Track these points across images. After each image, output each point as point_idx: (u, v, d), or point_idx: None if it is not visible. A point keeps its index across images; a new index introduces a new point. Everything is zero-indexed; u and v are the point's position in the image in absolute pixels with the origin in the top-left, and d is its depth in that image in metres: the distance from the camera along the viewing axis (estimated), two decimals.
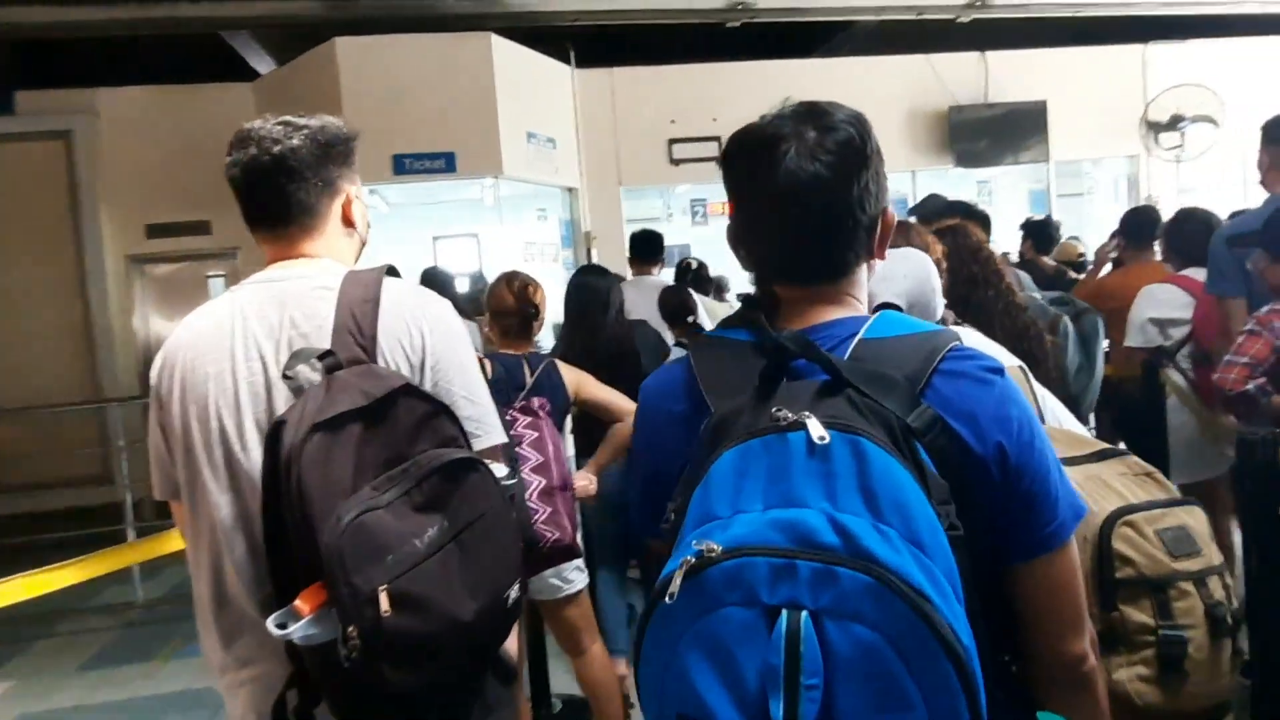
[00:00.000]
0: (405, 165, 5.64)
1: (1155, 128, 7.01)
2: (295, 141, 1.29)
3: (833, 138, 0.91)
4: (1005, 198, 7.71)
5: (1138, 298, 3.14)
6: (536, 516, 2.27)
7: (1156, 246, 3.67)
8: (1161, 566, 1.30)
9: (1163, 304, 3.05)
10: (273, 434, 1.07)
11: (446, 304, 1.33)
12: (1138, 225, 3.71)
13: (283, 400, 1.18)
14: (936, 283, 1.58)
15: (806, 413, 0.76)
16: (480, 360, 2.42)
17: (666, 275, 5.19)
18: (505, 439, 1.35)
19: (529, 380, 2.45)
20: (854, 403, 0.79)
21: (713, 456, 0.79)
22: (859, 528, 0.70)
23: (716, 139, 6.82)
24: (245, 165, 1.28)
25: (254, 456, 1.18)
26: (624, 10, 6.10)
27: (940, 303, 1.58)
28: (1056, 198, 7.34)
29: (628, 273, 6.53)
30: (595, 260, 6.55)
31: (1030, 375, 1.58)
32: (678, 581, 0.72)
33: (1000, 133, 6.99)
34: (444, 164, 5.70)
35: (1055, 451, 0.92)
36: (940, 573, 0.71)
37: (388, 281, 1.26)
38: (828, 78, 6.88)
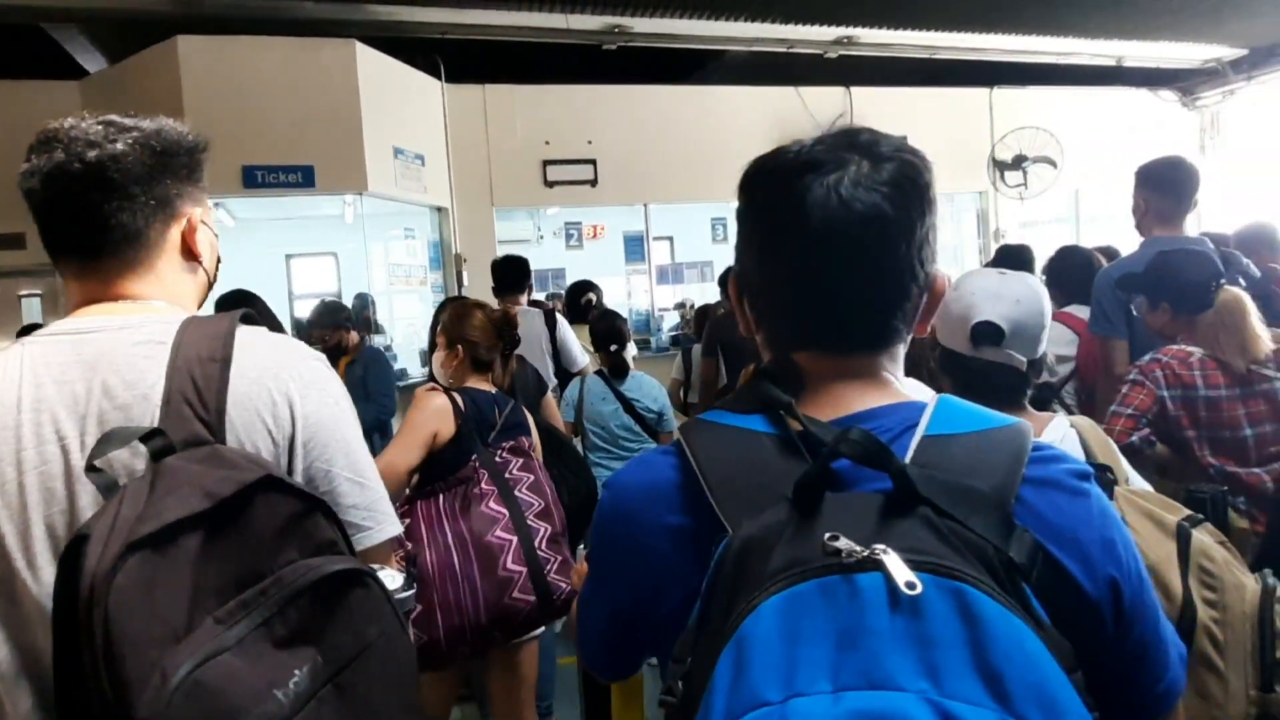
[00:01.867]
0: (257, 178, 5.15)
1: (1001, 166, 7.44)
2: (119, 147, 0.99)
3: (890, 169, 0.72)
4: None
5: None
6: (548, 566, 2.07)
7: None
8: None
9: (1049, 340, 3.13)
10: (70, 555, 0.76)
11: (321, 360, 1.04)
12: (1015, 263, 3.83)
13: (90, 504, 0.88)
14: (1049, 316, 1.43)
15: (879, 545, 0.56)
16: (449, 394, 2.16)
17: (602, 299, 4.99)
18: (399, 530, 1.08)
19: (499, 419, 2.21)
20: (936, 528, 0.59)
21: (745, 607, 0.57)
22: None
23: (592, 161, 6.69)
24: (47, 174, 0.97)
25: (44, 577, 0.87)
26: (496, 26, 5.86)
27: (1045, 342, 1.43)
28: None
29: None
30: (466, 283, 6.25)
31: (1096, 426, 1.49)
32: None
33: None
34: (301, 178, 5.24)
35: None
36: None
37: (242, 333, 0.97)
38: (702, 104, 6.90)
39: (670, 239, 8.41)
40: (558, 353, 4.03)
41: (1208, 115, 7.91)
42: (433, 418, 2.10)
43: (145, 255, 1.03)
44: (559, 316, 4.12)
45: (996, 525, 0.62)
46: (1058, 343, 3.15)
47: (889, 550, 0.55)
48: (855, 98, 7.26)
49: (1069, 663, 0.57)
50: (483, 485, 2.07)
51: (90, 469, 0.85)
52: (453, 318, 2.37)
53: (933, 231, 0.75)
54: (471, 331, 2.32)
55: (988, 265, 4.18)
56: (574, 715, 3.00)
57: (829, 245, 0.72)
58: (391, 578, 0.95)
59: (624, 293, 7.62)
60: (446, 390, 2.19)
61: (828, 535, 0.57)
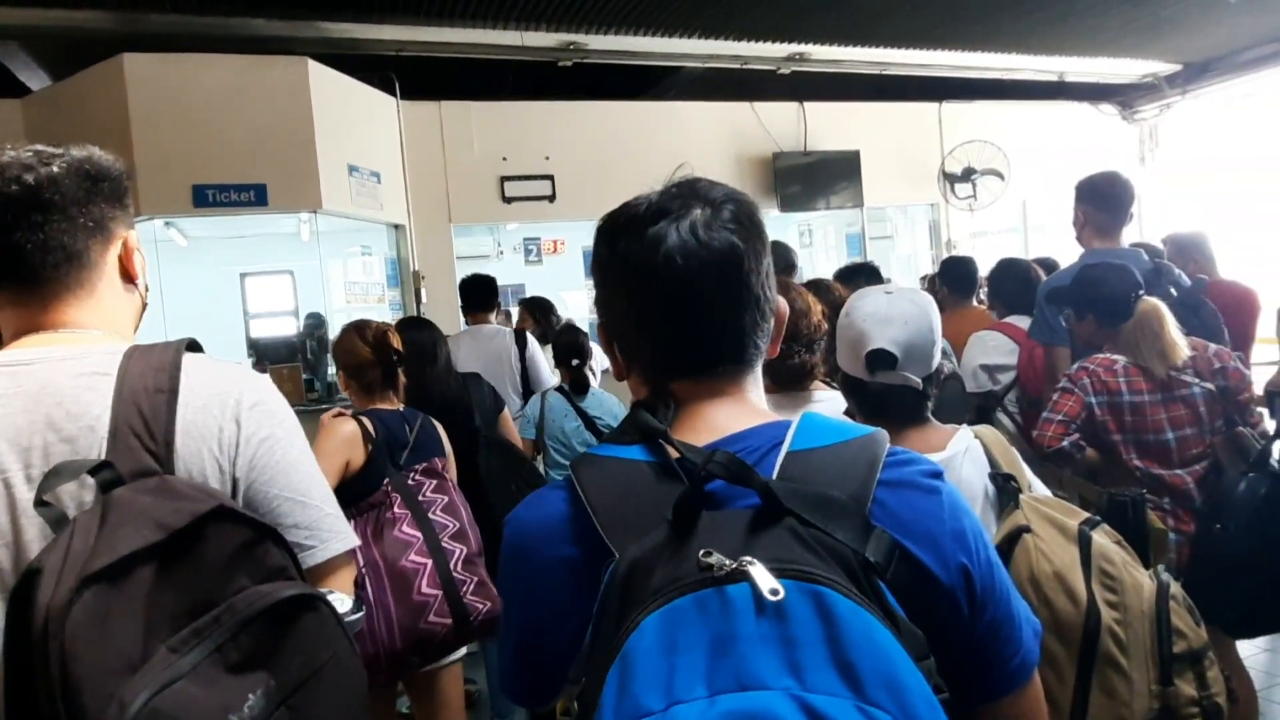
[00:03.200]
0: (208, 197, 5.11)
1: (951, 178, 7.61)
2: (55, 170, 1.00)
3: (730, 209, 0.81)
4: (823, 241, 8.12)
5: (969, 344, 3.31)
6: (464, 588, 2.06)
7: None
8: (1199, 637, 1.29)
9: (992, 350, 3.22)
10: (21, 590, 0.77)
11: (266, 381, 1.07)
12: (960, 274, 3.94)
13: (36, 537, 0.88)
14: (938, 330, 1.47)
15: (747, 558, 0.60)
16: (358, 419, 2.16)
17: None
18: (352, 543, 1.09)
19: (411, 437, 2.21)
20: (800, 536, 0.64)
21: (629, 625, 0.61)
22: (842, 713, 0.55)
23: (549, 177, 6.72)
24: None
25: None
26: (451, 43, 5.88)
27: (939, 355, 1.47)
28: (869, 241, 7.81)
29: (458, 315, 6.30)
30: (425, 300, 6.23)
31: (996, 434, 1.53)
32: None
33: (818, 179, 7.35)
34: (253, 196, 5.20)
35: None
36: None
37: (187, 361, 0.97)
38: (659, 120, 6.97)
39: None
40: (527, 372, 4.04)
41: (1146, 128, 8.17)
42: (342, 447, 2.07)
43: (86, 277, 1.04)
44: (529, 336, 4.14)
45: (855, 529, 0.68)
46: (999, 352, 3.25)
47: (755, 561, 0.60)
48: (809, 113, 7.38)
49: (920, 650, 0.63)
50: (395, 509, 2.07)
51: (40, 503, 0.85)
52: (334, 345, 2.37)
53: (770, 264, 0.84)
54: (345, 356, 2.31)
55: (933, 275, 4.28)
56: None
57: (693, 280, 0.79)
58: (341, 601, 0.97)
59: (586, 307, 7.65)
60: (355, 415, 2.18)
61: (701, 552, 0.62)
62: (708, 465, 0.68)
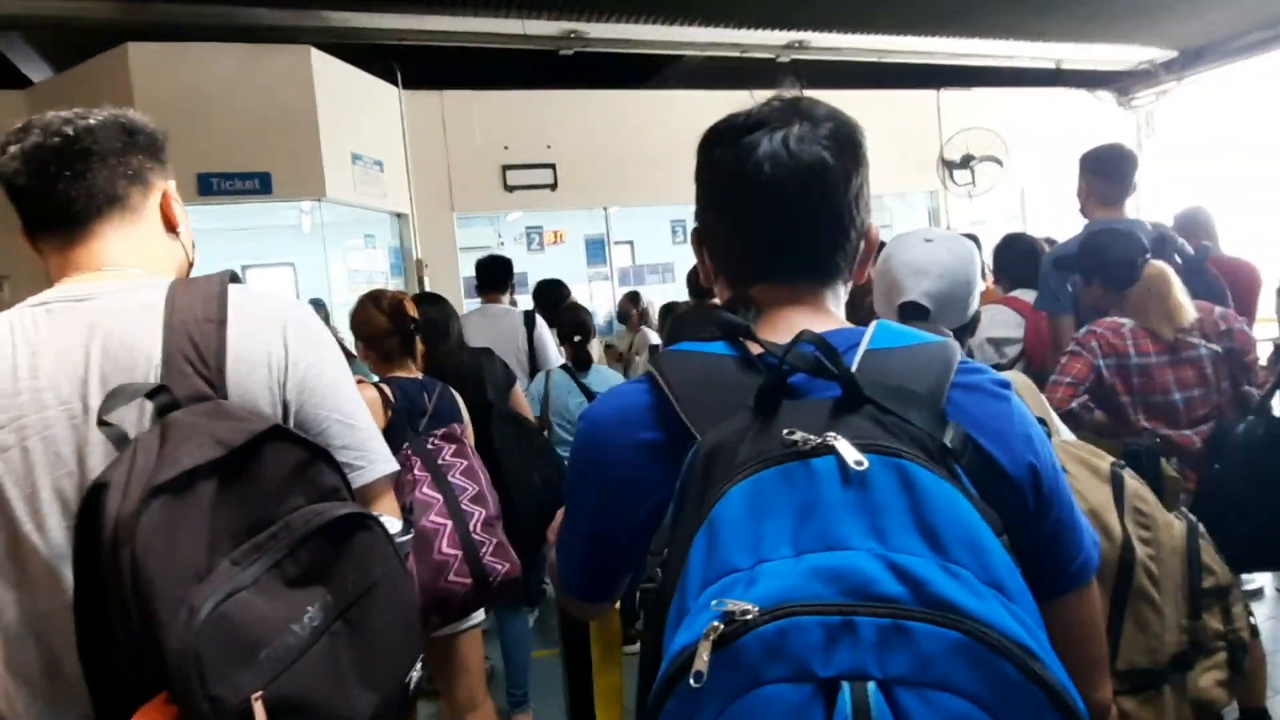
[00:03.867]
0: (213, 185, 5.13)
1: (950, 165, 7.66)
2: (92, 122, 1.04)
3: (829, 127, 0.84)
4: None
5: None
6: (483, 550, 2.08)
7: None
8: (1225, 574, 1.33)
9: (998, 324, 3.25)
10: (89, 502, 0.80)
11: (308, 308, 1.11)
12: None
13: (99, 458, 0.91)
14: (977, 276, 1.47)
15: (832, 434, 0.63)
16: (378, 386, 2.19)
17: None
18: (396, 467, 1.14)
19: (430, 405, 2.24)
20: (879, 421, 0.67)
21: (715, 494, 0.63)
22: (926, 570, 0.57)
23: (551, 166, 6.75)
24: (27, 152, 1.01)
25: (54, 538, 0.90)
26: (453, 33, 5.91)
27: (976, 302, 1.48)
28: None
29: (462, 301, 6.32)
30: (428, 288, 6.26)
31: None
32: (705, 655, 0.55)
33: None
34: (258, 185, 5.23)
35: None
36: (1031, 620, 0.59)
37: (234, 291, 1.01)
38: (660, 108, 7.00)
39: (631, 242, 8.49)
40: (534, 353, 4.09)
41: (1143, 114, 8.22)
42: None
43: (129, 219, 1.07)
44: (538, 318, 4.19)
45: (931, 419, 0.70)
46: (1006, 326, 3.28)
47: (839, 437, 0.63)
48: None
49: (996, 527, 0.64)
50: (415, 472, 2.09)
51: (101, 423, 0.88)
52: (351, 316, 2.39)
53: (866, 185, 0.86)
54: (362, 326, 2.34)
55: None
56: (553, 707, 3.04)
57: (779, 189, 0.82)
58: (392, 523, 1.01)
59: (586, 296, 7.69)
60: (375, 384, 2.21)
61: (786, 431, 0.64)
62: (789, 356, 0.71)
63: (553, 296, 4.98)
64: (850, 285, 0.91)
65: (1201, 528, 1.34)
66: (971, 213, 7.80)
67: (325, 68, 5.40)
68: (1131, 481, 1.34)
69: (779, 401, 0.69)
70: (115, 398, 0.88)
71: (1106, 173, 2.94)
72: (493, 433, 2.68)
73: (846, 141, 0.84)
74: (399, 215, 6.37)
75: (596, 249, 7.39)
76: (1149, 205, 7.43)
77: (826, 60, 7.08)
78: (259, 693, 0.76)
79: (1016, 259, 3.45)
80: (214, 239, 7.78)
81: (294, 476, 0.90)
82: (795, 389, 0.74)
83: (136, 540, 0.77)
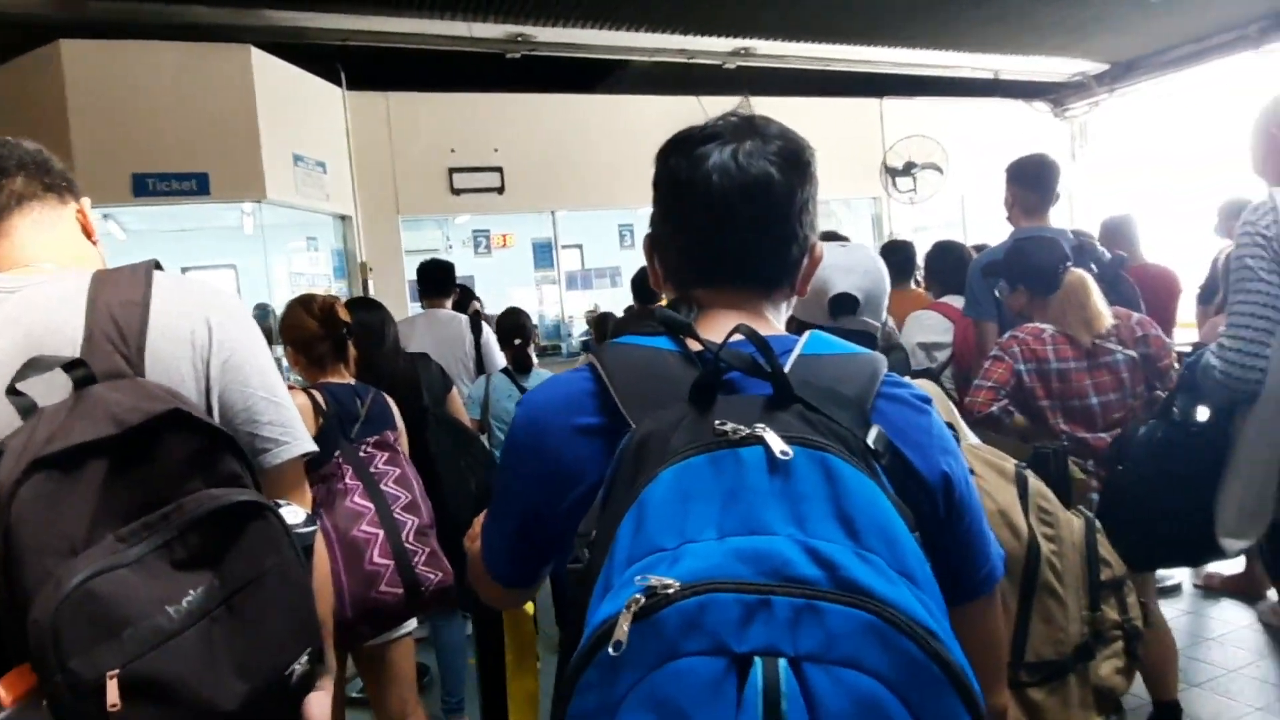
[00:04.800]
0: (148, 186, 5.02)
1: (893, 172, 7.82)
2: (8, 138, 1.11)
3: (777, 144, 0.88)
4: None
5: (906, 324, 3.42)
6: (416, 559, 2.06)
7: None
8: (1120, 567, 1.38)
9: (928, 329, 3.34)
10: None
11: (232, 294, 1.15)
12: (899, 258, 4.06)
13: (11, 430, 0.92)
14: (887, 284, 1.54)
15: (761, 425, 0.66)
16: (308, 392, 2.16)
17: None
18: (316, 447, 1.16)
19: (362, 411, 2.21)
20: (807, 419, 0.70)
21: (645, 477, 0.66)
22: (841, 556, 0.60)
23: (498, 169, 6.73)
24: None
25: None
26: (398, 33, 5.86)
27: (885, 311, 1.55)
28: None
29: (407, 305, 6.27)
30: (373, 293, 6.19)
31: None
32: (625, 626, 0.57)
33: None
34: (195, 186, 5.13)
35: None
36: (935, 607, 0.62)
37: (158, 275, 1.04)
38: (607, 113, 7.03)
39: (580, 246, 8.50)
40: (480, 357, 4.08)
41: (1077, 125, 8.48)
42: None
43: (50, 219, 1.12)
44: (484, 323, 4.17)
45: (856, 420, 0.75)
46: (935, 331, 3.38)
47: (768, 429, 0.66)
48: (754, 106, 7.48)
49: (910, 522, 0.68)
50: (347, 480, 2.07)
51: (11, 391, 0.89)
52: (280, 320, 2.36)
53: (812, 202, 0.90)
54: (291, 331, 2.29)
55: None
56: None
57: (725, 200, 0.86)
58: (293, 513, 1.01)
59: (535, 300, 7.68)
60: (306, 389, 2.18)
61: (718, 422, 0.67)
62: (727, 355, 0.74)
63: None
64: (793, 298, 0.96)
65: (1098, 523, 1.40)
66: (913, 219, 7.97)
67: (266, 67, 5.32)
68: (1035, 482, 1.40)
69: (714, 395, 0.73)
70: (30, 368, 0.90)
71: (1030, 183, 3.05)
72: (428, 439, 2.67)
73: (794, 159, 0.88)
74: (343, 217, 6.29)
75: (544, 253, 7.39)
76: (1082, 213, 7.69)
77: (772, 67, 7.18)
78: (115, 670, 0.77)
79: (947, 266, 3.55)
80: (151, 241, 7.60)
81: (194, 461, 0.91)
82: (730, 385, 0.78)
83: (12, 509, 0.79)
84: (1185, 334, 4.25)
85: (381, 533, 2.05)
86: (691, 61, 6.90)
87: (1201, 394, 1.89)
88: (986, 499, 1.33)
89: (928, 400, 0.86)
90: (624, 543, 0.64)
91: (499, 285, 7.77)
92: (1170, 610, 3.61)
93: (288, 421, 1.11)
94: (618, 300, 7.37)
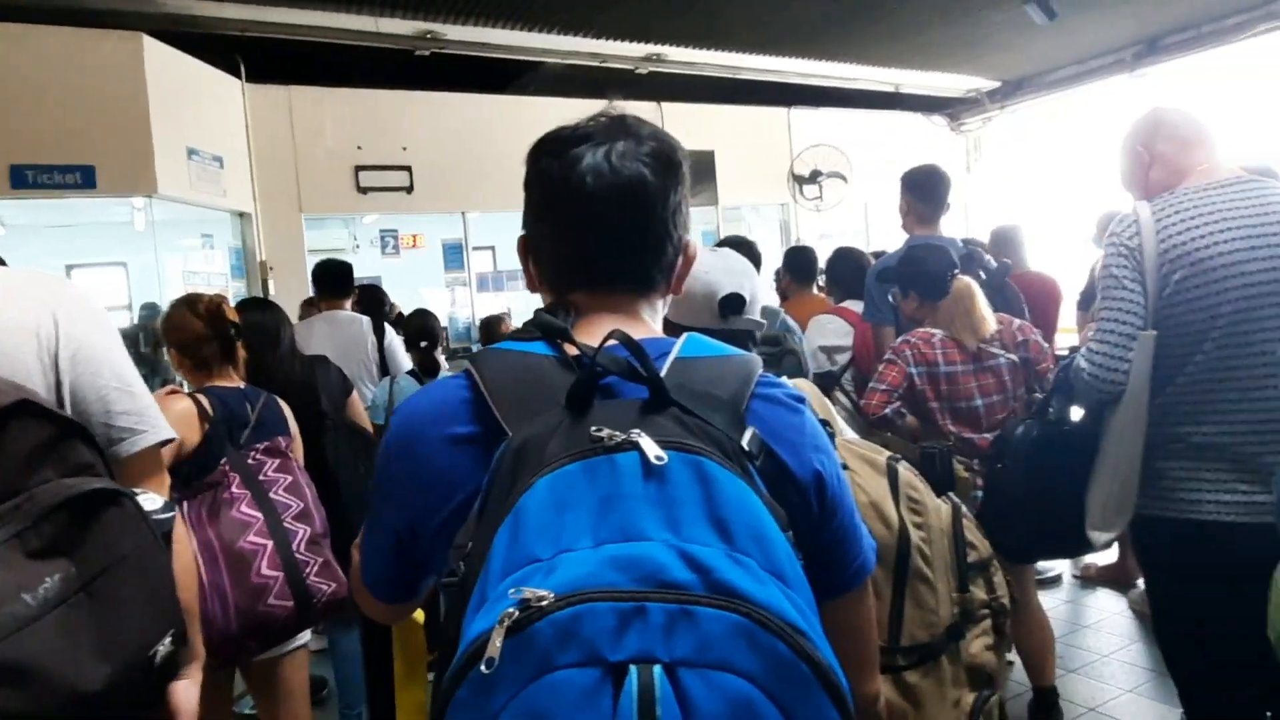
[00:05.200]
0: (28, 178, 4.74)
1: (800, 180, 8.03)
2: None
3: (650, 146, 0.88)
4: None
5: (808, 328, 3.52)
6: (307, 570, 2.00)
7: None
8: (985, 548, 1.44)
9: (829, 333, 3.45)
10: None
11: (81, 288, 1.13)
12: (802, 263, 4.19)
13: None
14: (759, 283, 1.59)
15: (636, 430, 0.67)
16: (194, 397, 2.07)
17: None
18: (174, 435, 1.18)
19: (252, 417, 2.13)
20: (682, 422, 0.71)
21: (521, 487, 0.66)
22: (714, 559, 0.61)
23: (407, 168, 6.61)
24: None
25: None
26: (301, 26, 5.69)
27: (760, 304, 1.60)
28: (723, 238, 8.11)
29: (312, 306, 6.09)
30: (273, 293, 5.99)
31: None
32: (497, 642, 0.57)
33: None
34: (80, 179, 4.86)
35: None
36: (805, 605, 0.64)
37: (2, 273, 1.05)
38: (520, 115, 6.97)
39: (492, 248, 8.42)
40: (384, 360, 3.99)
41: (971, 139, 8.89)
42: (175, 426, 2.00)
43: None
44: (387, 325, 4.09)
45: (731, 422, 0.76)
46: (836, 334, 3.48)
47: (643, 434, 0.67)
48: (666, 112, 7.57)
49: (782, 522, 0.69)
50: (233, 489, 2.01)
51: None
52: (162, 321, 2.27)
53: (685, 203, 0.91)
54: (175, 332, 2.19)
55: (780, 270, 4.51)
56: None
57: (599, 202, 0.86)
58: (150, 500, 1.00)
59: (446, 301, 7.56)
60: (191, 394, 2.10)
61: (594, 428, 0.68)
62: (603, 359, 0.75)
63: (373, 298, 4.87)
64: (669, 297, 0.97)
65: (964, 508, 1.47)
66: (819, 226, 8.20)
67: (159, 56, 5.09)
68: (904, 473, 1.44)
69: (590, 400, 0.73)
70: None
71: (922, 192, 3.18)
72: (326, 444, 2.61)
73: (667, 160, 0.88)
74: (241, 214, 6.07)
75: (455, 254, 7.29)
76: (976, 222, 8.05)
77: (684, 74, 7.27)
78: None
79: (847, 272, 3.67)
80: (33, 236, 7.18)
81: (44, 451, 0.90)
82: (607, 389, 0.77)
83: None
84: (1066, 338, 4.50)
85: (270, 543, 1.99)
86: (604, 65, 6.93)
87: (1073, 395, 2.01)
88: (859, 491, 1.37)
89: (801, 399, 0.88)
90: (499, 554, 0.64)
91: (409, 286, 7.62)
92: (1050, 600, 3.82)
93: (143, 410, 1.12)
94: (531, 303, 7.32)
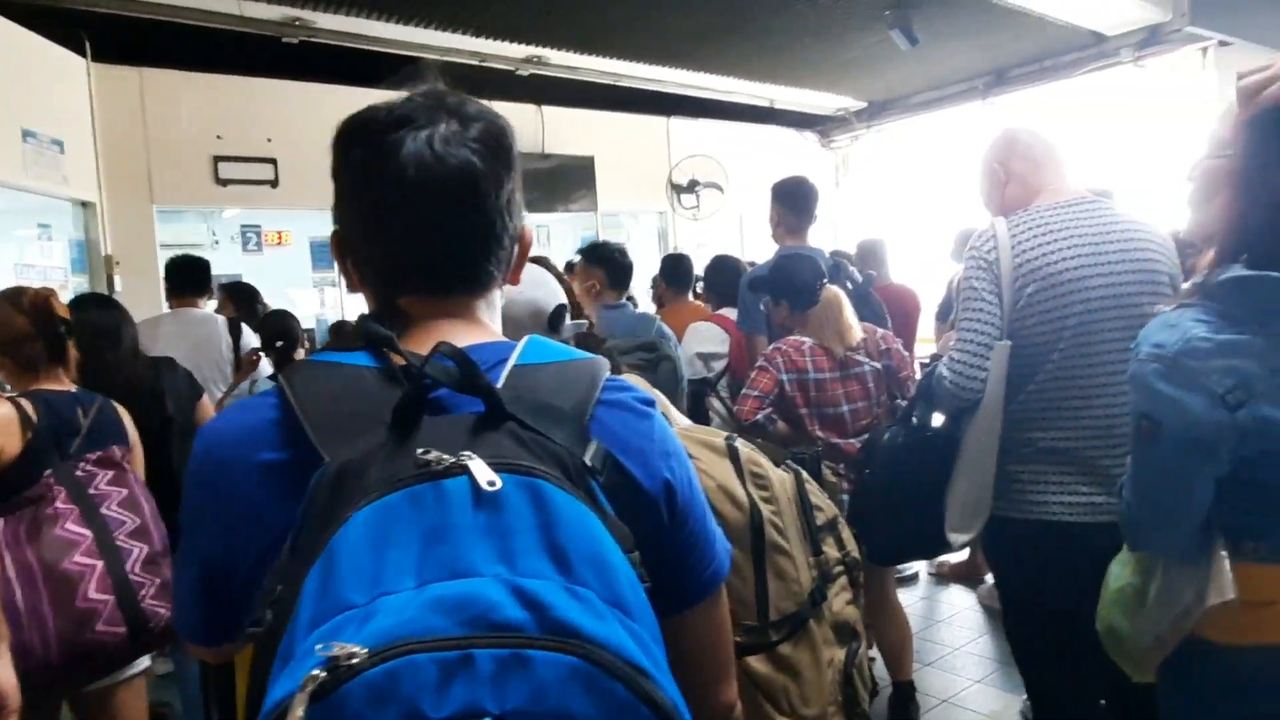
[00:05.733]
0: None
1: (678, 189, 8.14)
2: None
3: (478, 128, 0.80)
4: (561, 243, 8.33)
5: (686, 335, 3.56)
6: (143, 592, 1.84)
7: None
8: (830, 508, 1.47)
9: (706, 340, 3.50)
10: None
11: None
12: (678, 270, 4.23)
13: None
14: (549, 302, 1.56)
15: (467, 452, 0.61)
16: (15, 402, 1.87)
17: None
18: None
19: (84, 423, 1.94)
20: (520, 439, 0.66)
21: (335, 522, 0.59)
22: (550, 594, 0.56)
23: (272, 161, 6.29)
24: None
25: None
26: (155, 4, 5.31)
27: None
28: None
29: (162, 305, 5.69)
30: (119, 289, 5.56)
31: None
32: (299, 711, 0.50)
33: (555, 182, 7.53)
34: None
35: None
36: (648, 637, 0.60)
37: None
38: None
39: None
40: (240, 362, 3.76)
41: (840, 155, 9.27)
42: None
43: None
44: (244, 326, 3.84)
45: (574, 436, 0.70)
46: (712, 341, 3.54)
47: (474, 456, 0.61)
48: (546, 116, 7.54)
49: (628, 544, 0.65)
50: (58, 504, 1.84)
51: None
52: None
53: (518, 189, 0.84)
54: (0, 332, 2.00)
55: (657, 277, 4.55)
56: None
57: (425, 196, 0.77)
58: None
59: (315, 302, 7.23)
60: (12, 398, 1.92)
61: (420, 450, 0.61)
62: (432, 370, 0.68)
63: (244, 293, 4.64)
64: (505, 290, 0.90)
65: (805, 473, 1.51)
66: (696, 235, 8.34)
67: None
68: (745, 450, 1.45)
69: (418, 418, 0.66)
70: None
71: (792, 203, 3.28)
72: (172, 452, 2.43)
73: (497, 144, 0.81)
74: (84, 204, 5.60)
75: (323, 252, 6.98)
76: (844, 236, 8.39)
77: (565, 78, 7.25)
78: None
79: (723, 279, 3.73)
80: None
81: None
82: (438, 405, 0.71)
83: None
84: (925, 347, 4.75)
85: (100, 563, 1.82)
86: (484, 65, 6.80)
87: (936, 402, 2.10)
88: (705, 477, 1.35)
89: (650, 403, 0.83)
90: (309, 601, 0.56)
91: (274, 286, 7.24)
92: (908, 597, 4.01)
93: None
94: None
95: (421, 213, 0.78)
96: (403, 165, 0.76)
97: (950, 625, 3.80)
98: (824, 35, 6.40)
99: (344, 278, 0.87)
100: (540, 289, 1.51)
